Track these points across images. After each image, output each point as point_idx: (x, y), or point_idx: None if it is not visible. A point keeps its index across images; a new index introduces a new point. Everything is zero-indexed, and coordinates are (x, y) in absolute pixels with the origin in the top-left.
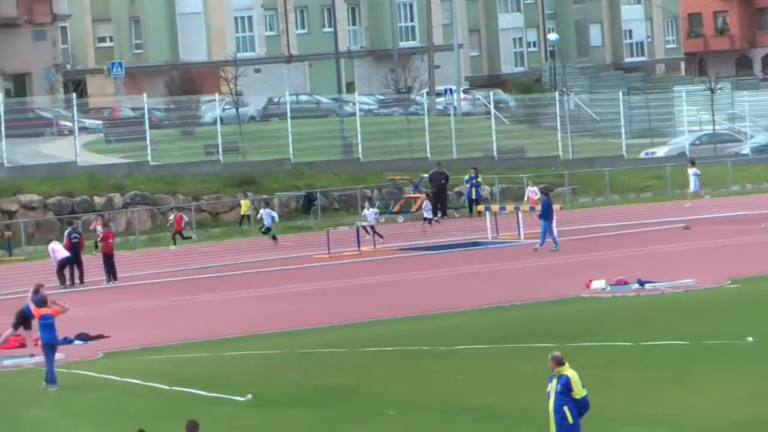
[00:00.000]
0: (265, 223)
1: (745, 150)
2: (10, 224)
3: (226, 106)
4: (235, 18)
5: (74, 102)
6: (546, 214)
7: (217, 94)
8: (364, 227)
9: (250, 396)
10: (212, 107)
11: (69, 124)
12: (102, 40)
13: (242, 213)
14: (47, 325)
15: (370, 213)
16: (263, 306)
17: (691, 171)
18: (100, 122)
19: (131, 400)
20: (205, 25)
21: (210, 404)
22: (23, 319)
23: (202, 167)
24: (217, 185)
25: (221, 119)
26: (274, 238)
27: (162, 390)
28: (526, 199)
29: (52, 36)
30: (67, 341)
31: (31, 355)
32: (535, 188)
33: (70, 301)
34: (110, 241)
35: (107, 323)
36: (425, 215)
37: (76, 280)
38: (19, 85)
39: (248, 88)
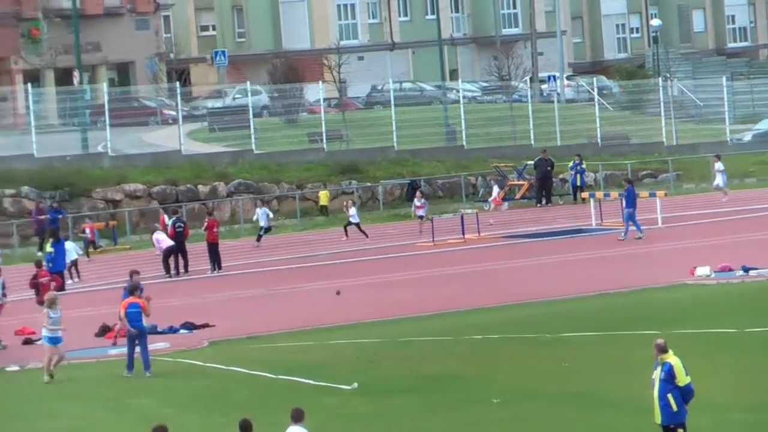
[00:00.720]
0: (262, 223)
1: None
2: (115, 213)
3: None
4: (338, 6)
5: (178, 91)
6: (630, 202)
7: (320, 81)
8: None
9: (356, 384)
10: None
11: (173, 112)
12: (204, 28)
13: (321, 204)
14: (133, 313)
15: (352, 212)
16: (368, 294)
17: (717, 165)
18: (204, 111)
19: (236, 389)
20: (308, 13)
21: (316, 393)
22: None
23: (306, 155)
24: (321, 173)
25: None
26: (258, 238)
27: (267, 378)
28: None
29: (155, 25)
30: (173, 330)
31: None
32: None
33: (175, 290)
34: (215, 230)
35: (212, 312)
36: (419, 213)
37: (181, 270)
38: (123, 74)
39: (351, 76)
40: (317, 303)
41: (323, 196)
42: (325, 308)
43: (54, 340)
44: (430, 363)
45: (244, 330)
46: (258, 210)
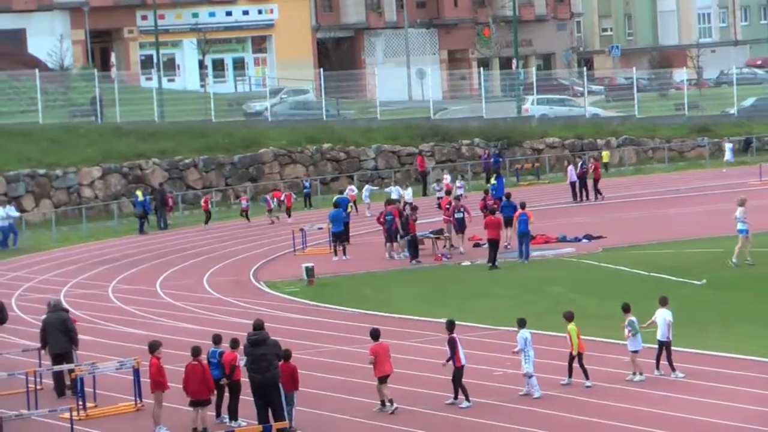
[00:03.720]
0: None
1: None
2: (539, 158)
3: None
4: (699, 14)
5: (584, 74)
6: None
7: (684, 68)
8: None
9: (704, 281)
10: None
11: (581, 89)
12: (604, 30)
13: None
14: (522, 221)
15: (366, 190)
16: (711, 218)
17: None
18: (602, 87)
19: (621, 282)
20: (677, 19)
21: (675, 286)
22: None
23: (672, 119)
24: (683, 132)
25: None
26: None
27: (642, 275)
28: None
29: (570, 27)
30: (577, 240)
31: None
32: None
33: (580, 212)
34: (599, 170)
35: (605, 228)
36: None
37: (584, 198)
38: (546, 62)
39: (706, 64)
40: (678, 223)
41: (605, 155)
42: (681, 228)
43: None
44: (758, 267)
45: (628, 241)
46: (366, 187)
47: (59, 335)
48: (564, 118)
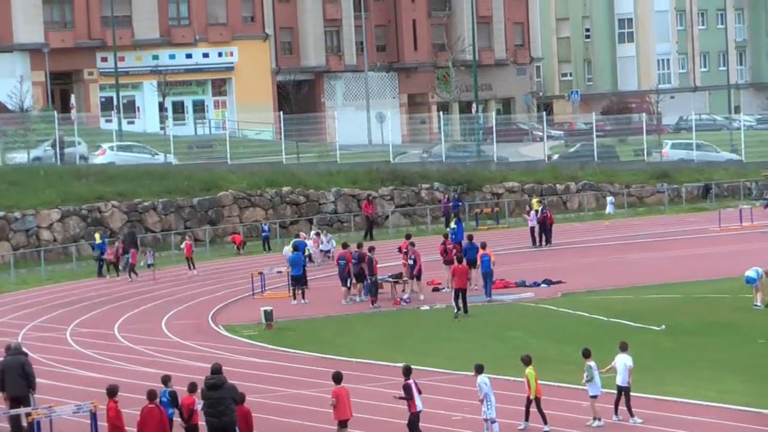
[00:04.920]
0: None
1: None
2: (498, 202)
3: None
4: (658, 60)
5: (544, 118)
6: None
7: (643, 113)
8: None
9: (663, 326)
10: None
11: (540, 133)
12: (564, 75)
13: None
14: (485, 261)
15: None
16: (671, 263)
17: None
18: (561, 132)
19: (580, 327)
20: (637, 65)
21: (635, 332)
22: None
23: (631, 165)
24: (641, 177)
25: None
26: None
27: (601, 320)
28: None
29: (529, 72)
30: (536, 284)
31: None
32: None
33: (539, 257)
34: (550, 216)
35: (564, 273)
36: None
37: (545, 243)
38: (506, 106)
39: (665, 110)
40: (636, 269)
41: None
42: (640, 273)
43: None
44: (716, 313)
45: (586, 286)
46: (323, 237)
47: (17, 378)
48: (524, 163)
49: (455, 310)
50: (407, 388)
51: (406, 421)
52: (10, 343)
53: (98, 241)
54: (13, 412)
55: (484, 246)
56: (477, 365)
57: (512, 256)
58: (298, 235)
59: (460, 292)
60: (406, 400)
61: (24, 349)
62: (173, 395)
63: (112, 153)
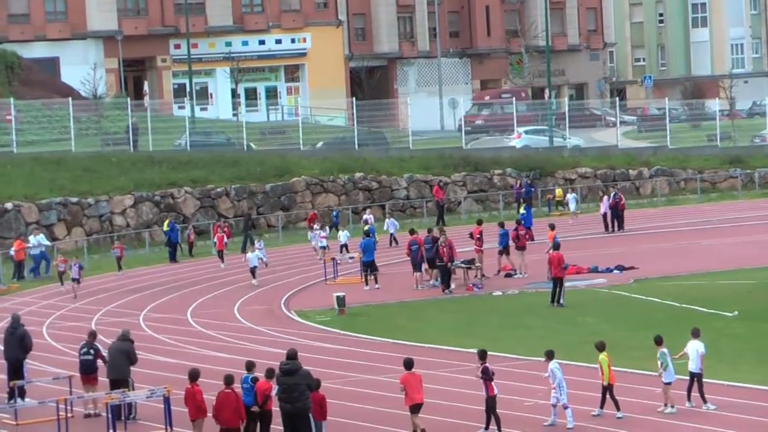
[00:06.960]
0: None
1: None
2: (571, 188)
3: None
4: (732, 44)
5: (617, 103)
6: None
7: (716, 98)
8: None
9: (736, 312)
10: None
11: (613, 119)
12: (637, 60)
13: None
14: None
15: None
16: (744, 249)
17: None
18: (635, 117)
19: (652, 313)
20: (710, 50)
21: (707, 318)
22: None
23: (704, 150)
24: (715, 163)
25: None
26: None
27: (674, 307)
28: None
29: (603, 57)
30: (608, 270)
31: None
32: None
33: (612, 242)
34: (622, 202)
35: (637, 259)
36: None
37: (617, 229)
38: (579, 91)
39: (739, 94)
40: (708, 255)
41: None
42: (713, 259)
43: None
44: None
45: (659, 272)
46: (387, 221)
47: (119, 363)
48: (597, 149)
49: (550, 300)
50: (485, 371)
51: (483, 406)
52: (123, 330)
53: (165, 228)
54: (88, 396)
55: (552, 227)
56: (547, 351)
57: (585, 241)
58: (366, 221)
59: (558, 282)
60: (485, 382)
61: (131, 337)
62: (256, 381)
63: None
